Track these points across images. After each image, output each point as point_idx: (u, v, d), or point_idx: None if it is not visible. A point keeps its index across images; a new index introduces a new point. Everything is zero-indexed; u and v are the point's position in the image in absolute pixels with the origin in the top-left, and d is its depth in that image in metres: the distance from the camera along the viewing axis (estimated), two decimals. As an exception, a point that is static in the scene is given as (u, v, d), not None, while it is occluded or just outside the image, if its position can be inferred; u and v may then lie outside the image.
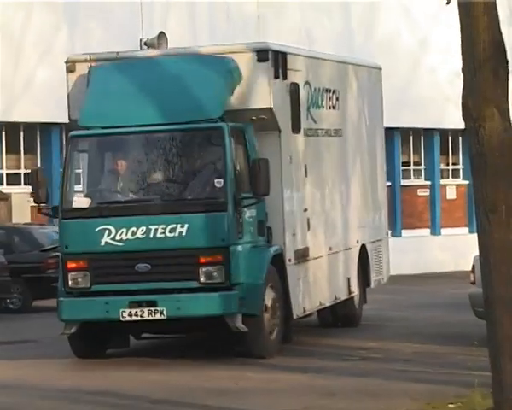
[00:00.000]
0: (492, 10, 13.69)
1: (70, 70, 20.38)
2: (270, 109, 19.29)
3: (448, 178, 44.71)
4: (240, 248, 18.52)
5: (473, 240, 15.14)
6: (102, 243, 18.33)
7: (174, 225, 18.21)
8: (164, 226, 18.31)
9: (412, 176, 44.39)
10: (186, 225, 18.17)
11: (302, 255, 20.66)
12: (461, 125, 13.86)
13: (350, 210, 24.11)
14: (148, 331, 19.53)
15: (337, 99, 23.51)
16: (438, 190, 44.17)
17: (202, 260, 18.22)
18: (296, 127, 20.55)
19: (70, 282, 18.65)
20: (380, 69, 27.52)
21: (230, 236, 18.22)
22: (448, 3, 14.09)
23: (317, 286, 21.55)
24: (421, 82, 41.70)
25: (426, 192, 44.66)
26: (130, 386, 18.13)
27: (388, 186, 43.30)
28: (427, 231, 43.61)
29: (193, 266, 18.23)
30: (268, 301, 18.94)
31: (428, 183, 44.15)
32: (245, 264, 18.67)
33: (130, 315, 17.92)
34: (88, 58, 20.33)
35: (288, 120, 20.19)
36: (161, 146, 19.17)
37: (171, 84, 19.45)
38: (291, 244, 20.12)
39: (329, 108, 23.03)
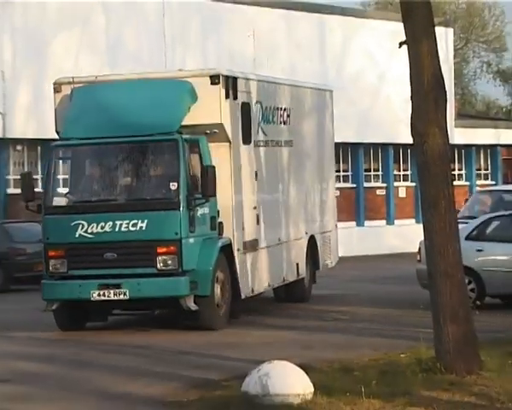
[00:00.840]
0: (434, 52, 14.14)
1: (56, 91, 19.91)
2: (221, 124, 19.00)
3: (400, 181, 44.36)
4: (191, 240, 18.30)
5: (419, 229, 15.49)
6: (77, 235, 18.13)
7: (136, 221, 17.87)
8: (127, 222, 17.95)
9: (372, 180, 44.10)
10: (146, 221, 17.91)
11: (251, 246, 20.16)
12: (410, 140, 14.03)
13: (298, 207, 23.47)
14: (116, 309, 19.21)
15: (288, 116, 22.91)
16: (392, 190, 43.99)
17: (159, 250, 17.89)
18: (247, 139, 20.19)
19: (51, 267, 18.45)
20: (331, 91, 26.69)
21: (183, 230, 17.94)
22: (400, 47, 14.22)
23: (265, 271, 20.96)
24: (380, 107, 41.43)
25: (383, 192, 44.43)
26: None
27: (354, 188, 43.61)
28: (383, 222, 43.38)
29: (151, 255, 17.93)
30: (217, 284, 18.68)
31: (385, 185, 44.04)
32: (196, 253, 18.41)
33: (98, 295, 17.82)
34: (71, 80, 20.00)
35: (239, 133, 19.84)
36: (127, 154, 18.83)
37: (137, 103, 19.14)
38: (240, 237, 19.69)
39: (280, 123, 22.52)
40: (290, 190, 23.05)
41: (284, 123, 22.70)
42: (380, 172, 44.58)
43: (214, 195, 18.24)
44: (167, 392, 13.40)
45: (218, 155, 19.09)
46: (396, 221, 44.09)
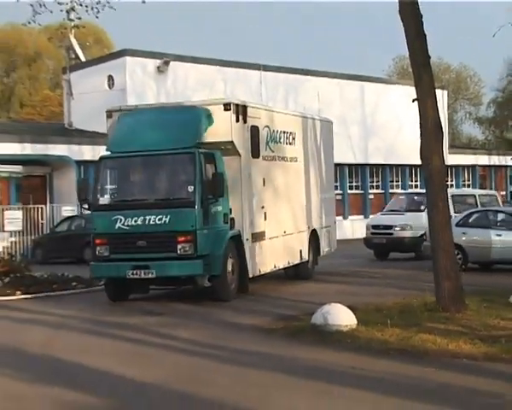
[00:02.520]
0: (435, 106, 14.03)
1: (108, 117, 17.83)
2: (232, 142, 17.00)
3: (412, 188, 43.78)
4: (205, 231, 16.17)
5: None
6: (116, 227, 16.27)
7: (161, 216, 16.01)
8: (155, 217, 16.04)
9: (395, 187, 43.63)
10: (169, 216, 15.99)
11: (259, 236, 17.96)
12: (419, 162, 14.13)
13: (300, 207, 20.81)
14: (148, 285, 17.12)
15: (293, 138, 20.44)
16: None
17: (179, 239, 15.93)
18: (255, 154, 18.01)
19: (97, 252, 16.55)
20: (331, 123, 24.26)
21: (197, 223, 15.94)
22: (413, 102, 14.16)
23: (271, 256, 18.61)
24: (400, 141, 41.02)
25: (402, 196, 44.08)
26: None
27: (383, 193, 43.14)
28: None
29: (173, 243, 15.95)
30: (228, 266, 16.61)
31: (403, 191, 43.63)
32: (210, 241, 16.24)
33: (132, 274, 16.08)
34: (119, 108, 18.17)
35: (249, 149, 17.66)
36: (156, 164, 16.81)
37: (165, 124, 17.11)
38: (248, 229, 17.51)
39: (286, 143, 20.00)
40: (293, 194, 20.47)
41: (290, 143, 20.20)
42: (400, 183, 44.27)
43: (222, 195, 16.39)
44: (263, 322, 13.37)
45: (231, 165, 17.14)
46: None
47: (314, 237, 21.52)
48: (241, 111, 17.24)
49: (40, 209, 29.98)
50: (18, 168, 25.39)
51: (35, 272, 20.47)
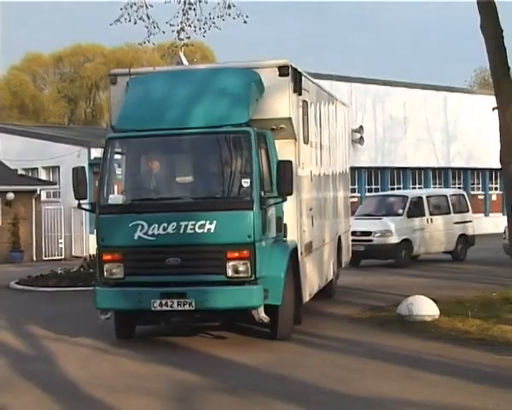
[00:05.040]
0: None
1: (112, 82, 12.07)
2: (290, 119, 11.55)
3: (492, 190, 42.91)
4: (264, 243, 10.53)
5: (504, 219, 15.08)
6: (136, 238, 10.41)
7: (203, 222, 10.29)
8: (193, 223, 10.31)
9: (475, 189, 42.88)
10: (214, 222, 10.28)
11: (308, 248, 12.56)
12: (498, 166, 13.76)
13: (334, 209, 15.52)
14: (177, 317, 11.29)
15: (328, 121, 14.83)
16: (488, 196, 42.55)
17: (230, 255, 10.26)
18: (306, 138, 12.51)
19: (105, 273, 10.63)
20: (347, 106, 18.31)
21: (256, 233, 10.27)
22: (493, 110, 13.94)
23: (316, 273, 13.36)
24: (481, 146, 40.21)
25: (482, 197, 43.26)
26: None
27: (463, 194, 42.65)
28: (482, 215, 41.79)
29: (220, 260, 10.25)
30: (289, 292, 10.95)
31: (483, 193, 42.86)
32: (269, 259, 10.60)
33: (160, 305, 10.30)
34: (128, 72, 11.96)
35: (301, 131, 12.10)
36: (192, 148, 11.08)
37: (201, 93, 11.27)
38: (302, 239, 12.06)
39: (323, 127, 14.23)
40: (331, 191, 15.33)
41: (325, 128, 14.50)
42: (480, 185, 43.47)
43: (291, 193, 10.72)
44: (353, 312, 13.30)
45: (283, 152, 11.42)
46: (490, 214, 42.88)
47: (339, 244, 16.10)
48: (298, 78, 11.89)
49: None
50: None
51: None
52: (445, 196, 24.79)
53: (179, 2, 17.53)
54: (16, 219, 28.34)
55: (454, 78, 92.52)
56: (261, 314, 10.39)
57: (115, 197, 10.74)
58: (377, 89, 38.49)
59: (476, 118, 40.40)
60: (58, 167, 31.66)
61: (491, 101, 14.26)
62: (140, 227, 10.39)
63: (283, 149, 11.50)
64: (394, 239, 22.14)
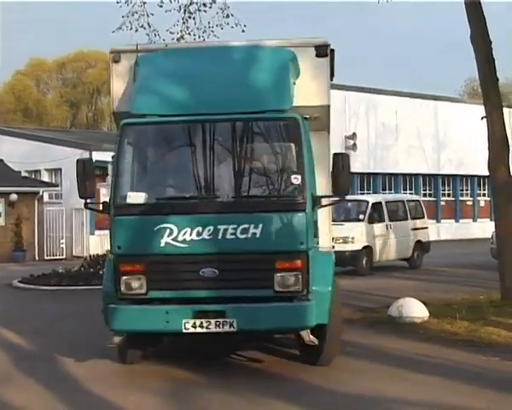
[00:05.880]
0: (502, 122, 13.69)
1: (115, 60, 9.69)
2: (327, 108, 9.52)
3: (481, 196, 43.14)
4: (314, 252, 8.48)
5: (491, 224, 14.94)
6: (162, 244, 8.15)
7: (246, 226, 8.09)
8: (235, 226, 8.11)
9: (464, 196, 43.06)
10: (260, 226, 8.09)
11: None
12: (487, 173, 13.47)
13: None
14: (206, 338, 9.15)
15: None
16: (476, 202, 42.80)
17: (278, 265, 8.10)
18: (329, 129, 10.27)
19: (123, 287, 8.27)
20: None
21: (309, 239, 8.20)
22: (482, 119, 14.03)
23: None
24: (471, 153, 40.26)
25: (470, 203, 43.49)
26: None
27: (454, 200, 42.78)
28: (471, 220, 42.08)
29: (267, 272, 8.10)
30: (333, 308, 8.66)
31: (471, 199, 43.11)
32: (317, 270, 8.40)
33: (194, 326, 8.07)
34: (135, 48, 9.53)
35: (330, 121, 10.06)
36: (230, 136, 8.58)
37: (234, 72, 9.15)
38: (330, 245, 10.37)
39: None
40: None
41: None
42: (469, 191, 43.59)
43: (349, 192, 8.72)
44: (344, 313, 12.77)
45: (317, 146, 9.20)
46: (478, 219, 43.01)
47: None
48: (333, 61, 9.72)
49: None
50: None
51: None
52: (403, 201, 23.51)
53: (179, 11, 17.52)
54: (19, 219, 28.39)
55: (444, 87, 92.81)
56: (310, 336, 8.31)
57: (135, 195, 8.33)
58: (370, 97, 38.56)
59: (466, 126, 40.51)
60: (60, 170, 31.69)
61: (481, 110, 14.31)
62: (168, 232, 8.15)
63: (316, 142, 9.21)
64: (355, 246, 20.69)
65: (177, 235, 8.14)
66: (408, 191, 39.17)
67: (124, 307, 8.30)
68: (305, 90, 9.16)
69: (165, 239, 8.16)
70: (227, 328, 8.09)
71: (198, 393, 8.04)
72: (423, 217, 23.74)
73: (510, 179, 13.80)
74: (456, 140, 41.01)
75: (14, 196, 28.32)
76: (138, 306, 8.29)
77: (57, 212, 29.96)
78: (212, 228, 8.13)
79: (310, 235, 8.27)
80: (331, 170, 8.57)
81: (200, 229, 8.14)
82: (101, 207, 8.85)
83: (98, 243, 28.06)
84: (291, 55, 9.33)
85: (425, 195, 41.71)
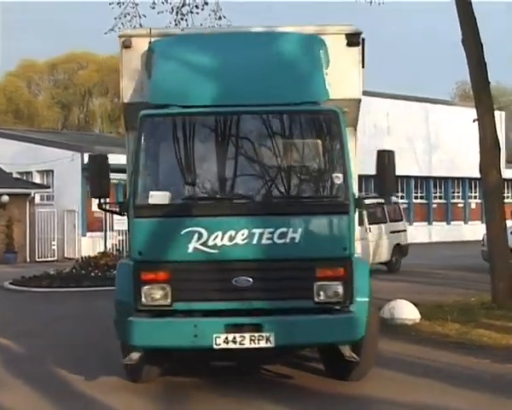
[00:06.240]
0: (493, 125, 13.81)
1: (125, 45, 8.67)
2: (358, 102, 8.86)
3: (472, 199, 43.38)
4: (355, 259, 7.60)
5: (482, 227, 14.95)
6: (190, 250, 7.22)
7: (285, 229, 7.22)
8: (271, 230, 7.21)
9: (456, 198, 43.23)
10: (300, 230, 7.24)
11: None
12: (478, 175, 13.82)
13: None
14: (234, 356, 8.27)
15: None
16: (467, 204, 43.04)
17: (320, 273, 7.26)
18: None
19: (144, 297, 7.26)
20: None
21: (352, 243, 7.43)
22: (474, 122, 14.02)
23: None
24: (461, 155, 40.33)
25: (462, 205, 43.63)
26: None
27: (446, 203, 43.04)
28: (462, 222, 42.30)
29: (307, 280, 7.25)
30: (371, 320, 7.81)
31: (463, 201, 43.34)
32: (357, 278, 7.48)
33: (226, 342, 7.15)
34: (148, 32, 8.60)
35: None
36: (264, 130, 7.72)
37: (264, 61, 8.24)
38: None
39: None
40: None
41: None
42: (460, 194, 43.73)
43: (394, 193, 7.84)
44: None
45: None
46: (469, 222, 43.15)
47: None
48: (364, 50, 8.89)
49: (144, 212, 30.39)
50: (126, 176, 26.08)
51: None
52: (382, 203, 22.21)
53: (171, 13, 17.49)
54: (10, 221, 28.25)
55: (436, 90, 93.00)
56: (349, 351, 7.45)
57: (159, 195, 7.34)
58: (362, 99, 38.67)
59: (457, 129, 40.65)
60: (52, 171, 31.45)
61: (472, 113, 14.34)
62: (196, 236, 7.23)
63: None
64: None
65: (207, 239, 7.24)
66: (400, 194, 39.27)
67: (146, 320, 7.33)
68: (335, 82, 8.15)
69: (194, 244, 7.25)
70: (263, 343, 7.20)
71: (191, 396, 7.96)
72: (401, 219, 23.55)
73: (501, 182, 13.88)
74: (448, 142, 41.11)
75: (5, 198, 28.21)
76: (163, 319, 7.32)
77: (49, 213, 29.84)
78: (246, 232, 7.25)
79: (353, 240, 7.47)
80: (376, 168, 7.73)
81: (232, 233, 7.24)
82: (116, 208, 8.03)
83: (90, 245, 28.12)
84: (321, 42, 8.44)
85: (416, 197, 41.88)
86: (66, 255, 29.41)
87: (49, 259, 28.85)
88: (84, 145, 30.85)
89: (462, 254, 25.90)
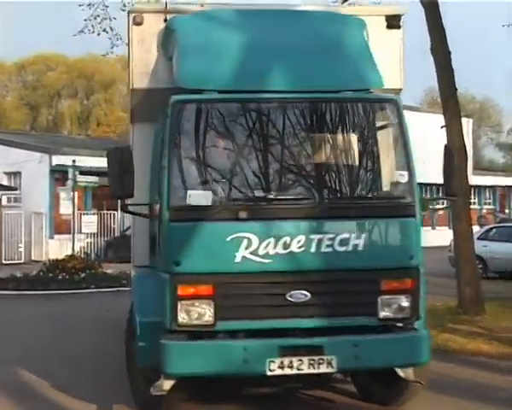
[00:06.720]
0: (460, 131, 13.95)
1: (136, 22, 7.27)
2: (399, 92, 7.59)
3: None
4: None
5: (450, 232, 14.89)
6: (237, 259, 5.93)
7: (346, 236, 6.00)
8: (331, 236, 5.97)
9: (424, 203, 43.84)
10: (363, 236, 6.05)
11: None
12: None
13: None
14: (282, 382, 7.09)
15: None
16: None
17: (384, 286, 6.07)
18: None
19: (182, 316, 5.91)
20: None
21: (419, 251, 6.31)
22: (441, 128, 14.09)
23: None
24: (429, 162, 40.62)
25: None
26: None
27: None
28: (429, 228, 42.60)
29: (370, 294, 6.07)
30: None
31: (432, 207, 43.78)
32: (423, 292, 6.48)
33: (281, 367, 5.90)
34: (164, 8, 7.29)
35: None
36: (317, 121, 6.55)
37: (309, 43, 6.83)
38: None
39: None
40: None
41: None
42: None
43: (456, 194, 7.03)
44: None
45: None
46: (437, 227, 43.49)
47: None
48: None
49: (112, 215, 30.04)
50: (94, 179, 25.99)
51: (107, 269, 20.49)
52: None
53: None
54: (-23, 223, 28.17)
55: (405, 96, 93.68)
56: (410, 373, 6.55)
57: (199, 195, 6.06)
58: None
59: (425, 135, 40.99)
60: (19, 173, 31.04)
61: (440, 119, 14.45)
62: (245, 243, 6.05)
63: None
64: None
65: (258, 247, 6.06)
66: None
67: (185, 342, 6.05)
68: None
69: (242, 253, 6.05)
70: (324, 368, 6.09)
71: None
72: None
73: (467, 188, 13.98)
74: (416, 149, 41.35)
75: (-29, 199, 27.95)
76: (206, 341, 6.08)
77: (16, 215, 29.30)
78: (303, 239, 6.10)
79: (420, 247, 6.41)
80: (443, 166, 6.91)
81: (287, 240, 6.09)
82: (141, 211, 6.71)
83: (57, 248, 27.83)
84: (364, 24, 7.25)
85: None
86: (33, 258, 29.08)
87: (16, 261, 28.36)
88: (52, 147, 30.64)
89: (429, 259, 25.79)
